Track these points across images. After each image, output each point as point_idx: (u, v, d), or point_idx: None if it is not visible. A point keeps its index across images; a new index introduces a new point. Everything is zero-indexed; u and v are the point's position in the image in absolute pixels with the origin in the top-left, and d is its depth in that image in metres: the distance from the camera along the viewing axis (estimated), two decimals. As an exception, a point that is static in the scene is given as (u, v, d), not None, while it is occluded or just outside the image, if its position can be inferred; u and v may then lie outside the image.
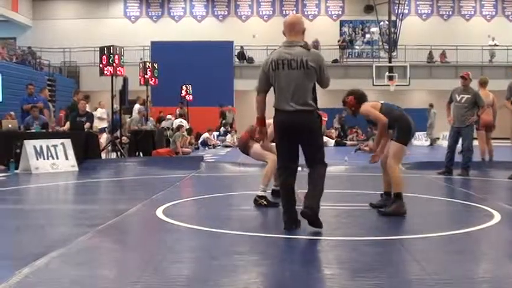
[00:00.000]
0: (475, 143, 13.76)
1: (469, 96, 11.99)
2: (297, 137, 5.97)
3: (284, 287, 4.14)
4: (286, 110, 5.92)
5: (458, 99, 12.05)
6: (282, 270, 4.54)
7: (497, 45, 35.02)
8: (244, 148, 8.42)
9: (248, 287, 4.12)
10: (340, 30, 38.07)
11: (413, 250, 5.25)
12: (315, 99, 5.97)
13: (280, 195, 6.20)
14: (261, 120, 6.20)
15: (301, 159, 6.10)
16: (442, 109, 13.15)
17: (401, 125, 7.21)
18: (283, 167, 6.11)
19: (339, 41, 36.59)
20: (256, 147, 8.22)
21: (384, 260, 4.93)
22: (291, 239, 5.71)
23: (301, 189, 6.18)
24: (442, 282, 4.12)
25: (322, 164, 6.06)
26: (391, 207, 7.04)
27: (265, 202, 7.69)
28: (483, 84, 14.09)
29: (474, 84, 12.65)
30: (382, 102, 7.46)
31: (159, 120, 23.47)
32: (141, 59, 30.87)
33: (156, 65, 21.72)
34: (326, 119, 8.72)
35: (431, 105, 28.75)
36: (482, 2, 38.18)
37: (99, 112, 21.35)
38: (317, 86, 6.04)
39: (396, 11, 32.79)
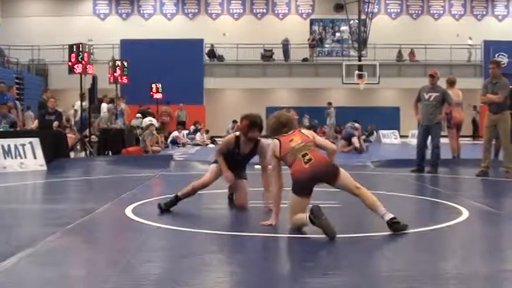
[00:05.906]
0: (446, 140, 13.95)
1: (437, 94, 12.12)
2: None
3: (253, 285, 4.14)
4: None
5: (426, 97, 12.17)
6: (252, 269, 4.54)
7: (472, 46, 35.39)
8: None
9: (218, 286, 4.12)
10: (310, 28, 38.16)
11: (382, 247, 5.29)
12: None
13: None
14: None
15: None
16: (410, 107, 13.25)
17: None
18: None
19: (308, 40, 36.62)
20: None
21: (353, 257, 4.95)
22: (261, 237, 5.71)
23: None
24: (411, 278, 4.16)
25: None
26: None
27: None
28: (451, 83, 14.27)
29: (441, 83, 12.80)
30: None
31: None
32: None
33: (125, 63, 21.55)
34: (297, 117, 8.69)
35: (329, 104, 28.60)
36: (451, 2, 38.59)
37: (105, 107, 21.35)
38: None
39: (366, 10, 33.05)
